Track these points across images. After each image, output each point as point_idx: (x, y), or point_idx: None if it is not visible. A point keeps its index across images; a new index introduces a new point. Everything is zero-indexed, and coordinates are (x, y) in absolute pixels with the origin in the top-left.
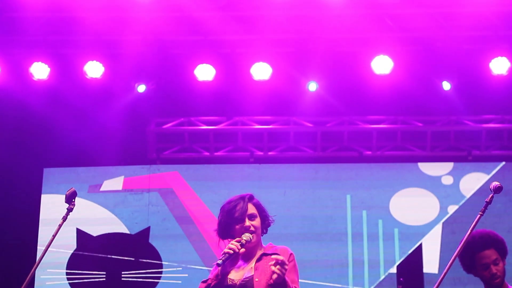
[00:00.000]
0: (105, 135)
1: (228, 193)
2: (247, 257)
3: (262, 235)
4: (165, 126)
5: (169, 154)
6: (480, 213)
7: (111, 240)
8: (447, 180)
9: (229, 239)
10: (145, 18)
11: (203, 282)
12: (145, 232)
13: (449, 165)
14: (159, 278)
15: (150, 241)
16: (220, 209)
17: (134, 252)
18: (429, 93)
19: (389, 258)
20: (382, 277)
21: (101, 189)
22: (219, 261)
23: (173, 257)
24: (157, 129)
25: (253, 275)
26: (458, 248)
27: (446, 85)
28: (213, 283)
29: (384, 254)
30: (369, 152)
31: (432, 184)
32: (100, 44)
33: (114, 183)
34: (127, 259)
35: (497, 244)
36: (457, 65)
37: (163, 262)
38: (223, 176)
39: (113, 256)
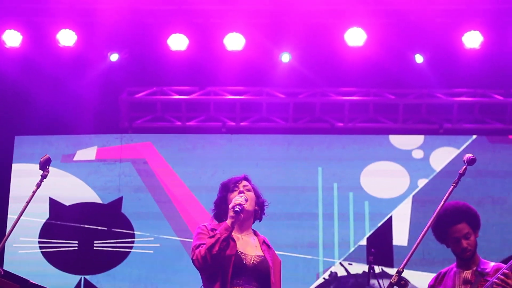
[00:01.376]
0: (78, 103)
1: (201, 163)
2: (242, 228)
3: (256, 219)
4: (137, 95)
5: (141, 123)
6: (453, 184)
7: (83, 210)
8: (418, 154)
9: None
10: None
11: (211, 237)
12: (118, 202)
13: (419, 139)
14: (131, 247)
15: (122, 211)
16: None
17: (106, 222)
18: (402, 66)
19: (359, 231)
20: (352, 249)
21: (74, 158)
22: (237, 208)
23: (145, 227)
24: (129, 98)
25: (264, 256)
26: (430, 221)
27: (419, 58)
28: (223, 236)
29: (355, 226)
30: (341, 124)
31: (403, 157)
32: (73, 13)
33: (87, 153)
34: (99, 229)
35: (469, 217)
36: (430, 39)
37: (135, 232)
38: (196, 146)
39: (85, 226)
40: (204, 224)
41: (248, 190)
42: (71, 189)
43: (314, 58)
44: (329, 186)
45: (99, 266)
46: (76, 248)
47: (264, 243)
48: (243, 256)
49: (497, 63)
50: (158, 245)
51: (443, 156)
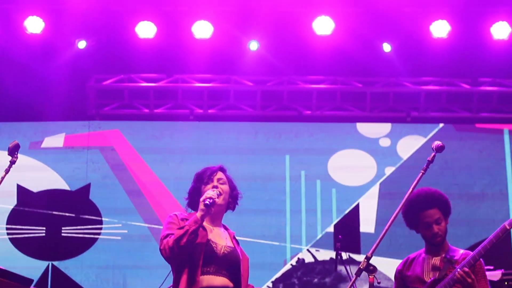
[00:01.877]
0: (46, 90)
1: (169, 151)
2: (213, 220)
3: (228, 209)
4: (105, 83)
5: (108, 110)
6: (422, 171)
7: (51, 196)
8: (385, 142)
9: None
10: None
11: (180, 228)
12: (86, 188)
13: (387, 127)
14: (98, 234)
15: (90, 197)
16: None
17: (74, 208)
18: (370, 54)
19: (326, 218)
20: (319, 235)
21: (42, 145)
22: (207, 201)
23: (113, 213)
24: (97, 85)
25: (235, 248)
26: (399, 207)
27: (387, 47)
28: (191, 229)
29: (322, 213)
30: (309, 112)
31: (370, 145)
32: None
33: (55, 140)
34: (67, 215)
35: (441, 203)
36: (398, 27)
37: (103, 219)
38: (163, 134)
39: (53, 212)
40: (175, 213)
41: (223, 183)
42: (39, 176)
43: (282, 46)
44: (296, 174)
45: (67, 252)
46: (44, 234)
47: (234, 238)
48: (214, 245)
49: (464, 52)
50: (126, 231)
51: (410, 144)
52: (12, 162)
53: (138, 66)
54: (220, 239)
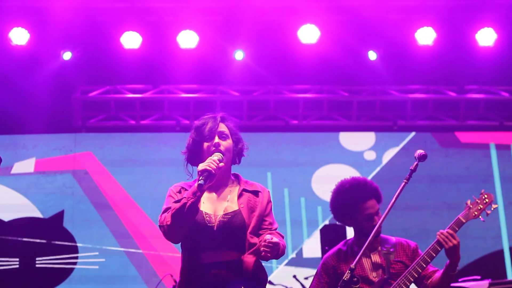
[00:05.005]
0: (31, 102)
1: (144, 171)
2: (215, 186)
3: (233, 163)
4: (91, 94)
5: (95, 122)
6: (405, 180)
7: (23, 225)
8: (370, 155)
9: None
10: None
11: (176, 202)
12: (59, 215)
13: (371, 140)
14: (75, 263)
15: (64, 225)
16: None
17: (48, 237)
18: (355, 62)
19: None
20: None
21: (12, 171)
22: (201, 181)
23: (88, 240)
24: (82, 97)
25: (237, 210)
26: (381, 218)
27: (372, 55)
28: (189, 202)
29: (308, 234)
30: (295, 121)
31: (355, 159)
32: (25, 11)
33: (25, 165)
34: (41, 245)
35: (376, 193)
36: (383, 35)
37: (77, 244)
38: (139, 152)
39: (26, 242)
40: (177, 184)
41: (225, 138)
42: (10, 203)
43: (268, 55)
44: (279, 192)
45: (42, 284)
46: (17, 266)
47: (244, 192)
48: (207, 217)
49: (450, 59)
50: (103, 259)
51: (396, 156)
52: None
53: (124, 77)
54: (218, 204)
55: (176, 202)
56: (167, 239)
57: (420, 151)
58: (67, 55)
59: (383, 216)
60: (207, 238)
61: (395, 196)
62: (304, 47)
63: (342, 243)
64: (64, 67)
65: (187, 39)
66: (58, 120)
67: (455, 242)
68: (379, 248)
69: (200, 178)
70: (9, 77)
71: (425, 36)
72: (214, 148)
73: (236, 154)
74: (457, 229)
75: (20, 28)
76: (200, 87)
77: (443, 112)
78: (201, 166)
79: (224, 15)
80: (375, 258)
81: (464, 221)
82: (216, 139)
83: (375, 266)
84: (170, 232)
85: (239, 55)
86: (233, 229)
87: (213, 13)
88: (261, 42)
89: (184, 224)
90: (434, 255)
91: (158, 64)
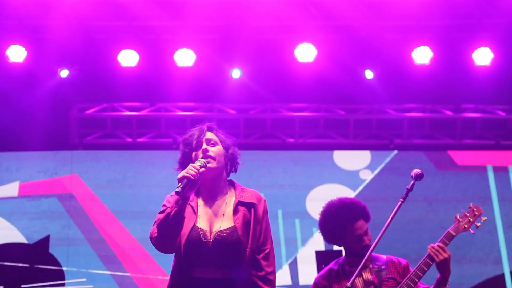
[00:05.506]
0: (27, 120)
1: (133, 193)
2: (212, 192)
3: (229, 172)
4: (87, 112)
5: (91, 139)
6: (401, 200)
7: (8, 251)
8: (366, 175)
9: None
10: (69, 2)
11: (160, 213)
12: (45, 241)
13: (367, 159)
14: None
15: (50, 250)
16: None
17: (33, 263)
18: (352, 81)
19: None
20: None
21: None
22: (178, 189)
23: (75, 264)
24: (79, 115)
25: (233, 227)
26: (379, 236)
27: (369, 74)
28: (173, 211)
29: (303, 257)
30: (292, 140)
31: (350, 179)
32: (23, 28)
33: (9, 189)
34: (26, 271)
35: (365, 213)
36: (380, 54)
37: (63, 268)
38: (126, 176)
39: (11, 268)
40: (173, 192)
41: (214, 144)
42: None
43: (265, 74)
44: (273, 214)
45: None
46: None
47: (239, 205)
48: (202, 233)
49: (447, 78)
50: (91, 286)
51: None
52: None
53: (120, 95)
54: (214, 220)
55: (161, 213)
56: (158, 250)
57: (416, 170)
58: (64, 73)
59: (379, 235)
60: (201, 254)
61: (391, 216)
62: (301, 66)
63: (333, 262)
64: (61, 84)
65: (184, 57)
66: (54, 138)
67: (445, 255)
68: (370, 265)
69: (178, 186)
70: (6, 94)
71: (422, 55)
72: (202, 155)
73: (229, 160)
74: (447, 242)
75: (17, 45)
76: (197, 105)
77: (440, 131)
78: (180, 174)
79: (221, 34)
80: (367, 275)
81: (454, 234)
82: (204, 146)
83: (367, 283)
84: (158, 243)
85: (236, 73)
86: (228, 246)
87: (210, 32)
88: (258, 60)
89: (169, 234)
90: (426, 269)
91: (155, 82)
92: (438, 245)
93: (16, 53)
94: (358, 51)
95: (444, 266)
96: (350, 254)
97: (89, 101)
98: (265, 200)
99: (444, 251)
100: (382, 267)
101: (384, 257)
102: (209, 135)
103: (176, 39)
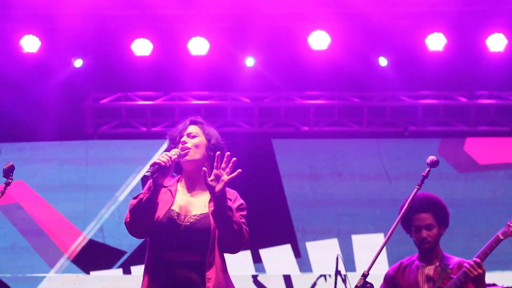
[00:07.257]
0: (42, 110)
1: (94, 195)
2: (192, 184)
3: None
4: (102, 101)
5: (106, 129)
6: (417, 187)
7: None
8: None
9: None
10: None
11: (134, 198)
12: None
13: None
14: None
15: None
16: None
17: None
18: (366, 68)
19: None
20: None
21: None
22: (147, 173)
23: None
24: (94, 104)
25: (207, 214)
26: (394, 225)
27: (383, 61)
28: (145, 197)
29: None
30: (306, 128)
31: None
32: (36, 18)
33: None
34: None
35: (436, 209)
36: (393, 41)
37: None
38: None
39: None
40: None
41: (194, 137)
42: None
43: (279, 62)
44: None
45: None
46: None
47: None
48: (175, 215)
49: (461, 65)
50: None
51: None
52: (7, 184)
53: (135, 84)
54: (190, 205)
55: (134, 198)
56: (130, 234)
57: (432, 157)
58: (78, 63)
59: (394, 223)
60: (173, 237)
61: (407, 203)
62: (314, 54)
63: (408, 257)
64: (75, 74)
65: (198, 46)
66: (69, 128)
67: (480, 271)
68: (437, 263)
69: (148, 170)
70: (20, 84)
71: (436, 42)
72: (181, 146)
73: (211, 151)
74: (488, 252)
75: (31, 35)
76: (210, 94)
77: (454, 117)
78: (152, 160)
79: (234, 22)
80: (429, 271)
81: (502, 238)
82: (183, 138)
83: (428, 279)
84: (130, 227)
85: (249, 61)
86: (198, 231)
87: (223, 20)
88: (272, 48)
89: (141, 219)
90: (459, 284)
91: (168, 71)
92: (474, 261)
93: (30, 44)
94: (372, 38)
95: (478, 282)
96: (417, 247)
97: (103, 90)
98: (235, 192)
99: (480, 267)
100: (449, 266)
101: (455, 259)
102: (191, 128)
103: (189, 27)
